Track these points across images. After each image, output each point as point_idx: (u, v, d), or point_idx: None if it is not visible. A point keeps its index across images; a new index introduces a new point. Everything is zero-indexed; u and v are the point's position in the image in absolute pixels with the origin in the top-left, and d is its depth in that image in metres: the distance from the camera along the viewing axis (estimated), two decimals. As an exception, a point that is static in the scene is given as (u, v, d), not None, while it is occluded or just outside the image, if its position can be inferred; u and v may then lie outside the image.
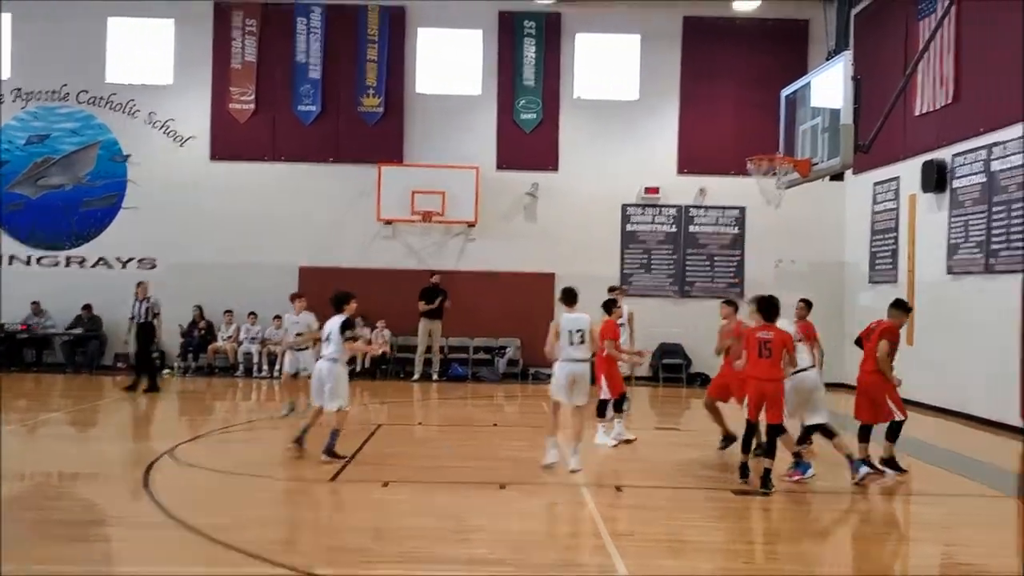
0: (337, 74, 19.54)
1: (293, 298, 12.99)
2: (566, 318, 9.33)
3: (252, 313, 18.48)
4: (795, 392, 8.97)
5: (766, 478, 8.41)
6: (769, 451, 8.55)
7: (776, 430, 8.59)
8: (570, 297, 9.57)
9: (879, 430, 9.48)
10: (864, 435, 9.34)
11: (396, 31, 19.57)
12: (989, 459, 10.92)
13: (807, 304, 11.47)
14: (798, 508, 8.14)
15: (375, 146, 19.31)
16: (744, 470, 8.76)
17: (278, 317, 18.12)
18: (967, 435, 12.87)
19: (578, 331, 9.20)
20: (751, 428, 8.80)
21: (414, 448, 11.28)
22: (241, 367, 18.50)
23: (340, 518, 7.49)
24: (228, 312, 18.79)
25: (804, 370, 9.07)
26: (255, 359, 18.25)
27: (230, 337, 18.71)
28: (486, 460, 10.01)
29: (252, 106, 19.45)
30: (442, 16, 19.67)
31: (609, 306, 11.73)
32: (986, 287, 13.76)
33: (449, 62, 19.82)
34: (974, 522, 7.86)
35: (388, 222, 19.15)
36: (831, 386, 11.84)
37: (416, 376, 18.25)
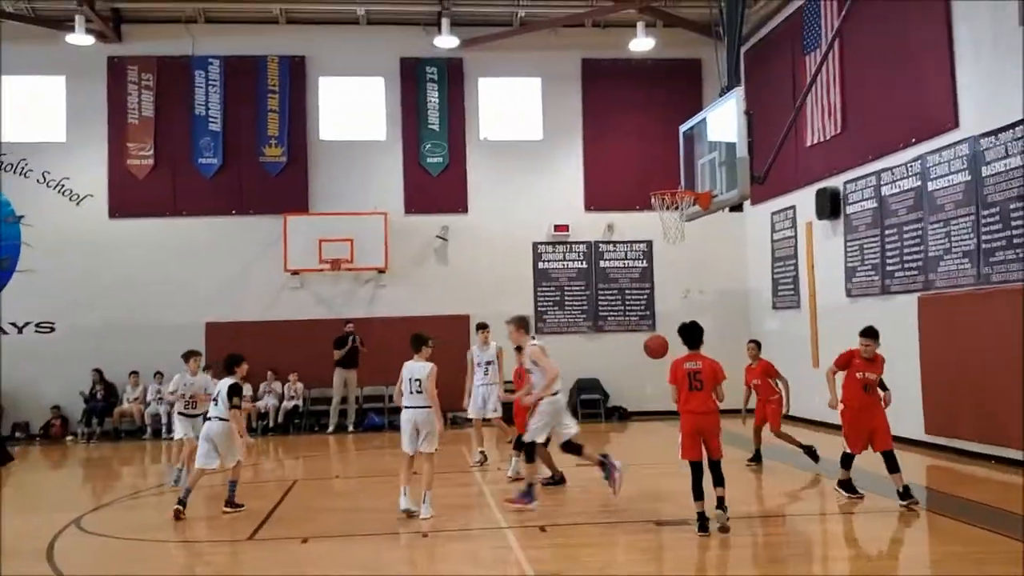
0: (238, 126, 19.31)
1: (188, 357, 11.40)
2: (407, 366, 9.21)
3: (159, 373, 17.85)
4: (552, 414, 9.49)
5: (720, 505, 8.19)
6: (718, 480, 8.19)
7: (718, 464, 8.24)
8: (414, 344, 9.33)
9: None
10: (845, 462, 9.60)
11: (297, 81, 19.48)
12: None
13: (757, 344, 12.11)
14: (723, 536, 8.15)
15: (280, 196, 19.09)
16: (703, 521, 8.01)
17: (159, 373, 17.64)
18: (871, 453, 13.19)
19: (416, 379, 9.06)
20: (697, 469, 8.11)
21: (333, 501, 11.02)
22: (149, 429, 17.87)
23: (259, 579, 7.26)
24: (134, 373, 18.17)
25: (556, 393, 9.58)
26: (163, 420, 17.64)
27: (136, 399, 18.09)
28: (407, 509, 9.87)
29: (151, 161, 19.03)
30: (343, 65, 19.68)
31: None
32: (883, 308, 14.27)
33: (352, 109, 19.82)
34: (889, 537, 8.07)
35: (296, 272, 18.88)
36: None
37: (331, 428, 17.93)
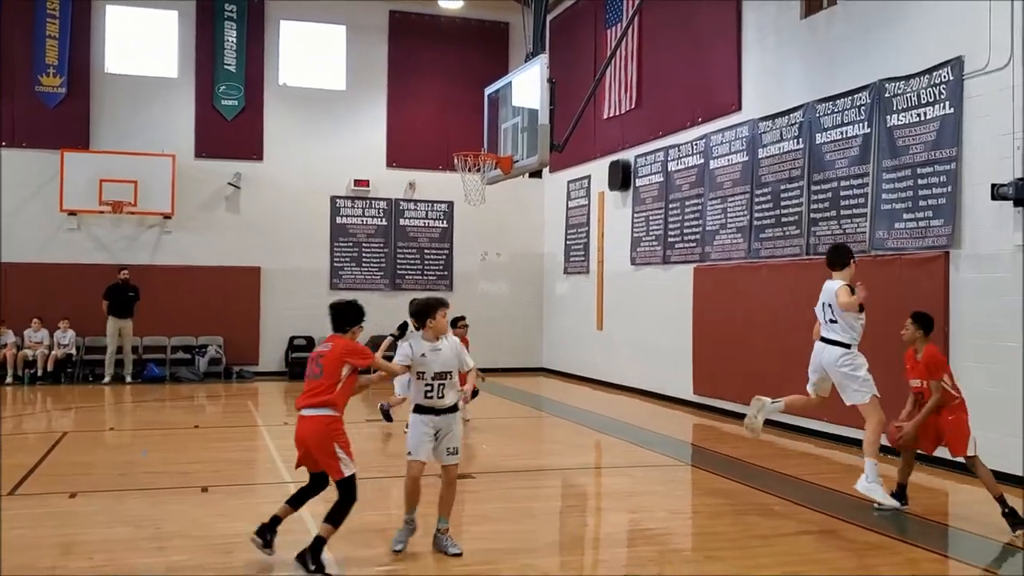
0: (10, 50, 17.60)
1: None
2: None
3: (-92, 316, 16.24)
4: None
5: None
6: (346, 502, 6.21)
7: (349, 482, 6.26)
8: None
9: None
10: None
11: (81, 7, 17.99)
12: (667, 431, 12.03)
13: (922, 322, 7.37)
14: (494, 485, 8.44)
15: (57, 130, 17.65)
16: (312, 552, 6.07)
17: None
18: (648, 410, 14.06)
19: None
20: (316, 482, 6.45)
21: (105, 455, 10.48)
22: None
23: (20, 535, 6.80)
24: None
25: None
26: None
27: None
28: (186, 463, 9.55)
29: (-97, 80, 17.10)
30: (133, -7, 18.40)
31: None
32: (663, 276, 15.13)
33: (142, 42, 18.56)
34: (655, 490, 8.63)
35: (72, 213, 17.61)
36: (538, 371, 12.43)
37: (107, 379, 16.95)
